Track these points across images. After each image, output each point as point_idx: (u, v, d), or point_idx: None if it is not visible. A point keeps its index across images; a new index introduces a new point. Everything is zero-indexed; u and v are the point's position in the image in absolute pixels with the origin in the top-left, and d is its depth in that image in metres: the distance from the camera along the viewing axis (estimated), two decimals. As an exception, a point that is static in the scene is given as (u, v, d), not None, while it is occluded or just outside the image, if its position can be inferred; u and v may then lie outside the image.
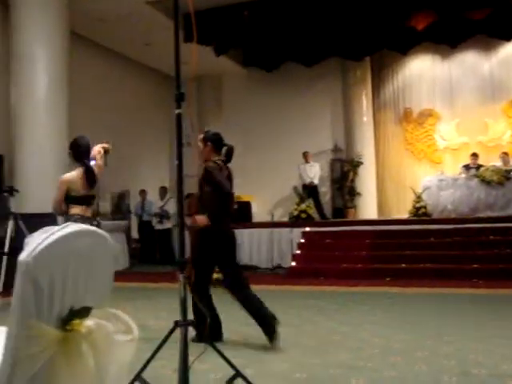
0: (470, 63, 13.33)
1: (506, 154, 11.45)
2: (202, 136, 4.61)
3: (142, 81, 13.87)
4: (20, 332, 1.25)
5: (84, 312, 1.40)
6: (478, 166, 11.00)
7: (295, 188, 11.82)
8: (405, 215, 11.48)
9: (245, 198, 12.86)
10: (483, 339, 4.18)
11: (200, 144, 4.56)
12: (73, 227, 1.42)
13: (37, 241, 1.31)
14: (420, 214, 10.73)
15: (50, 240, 1.32)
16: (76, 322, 1.36)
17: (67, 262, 1.37)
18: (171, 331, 2.60)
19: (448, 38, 12.43)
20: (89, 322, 1.39)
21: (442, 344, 4.06)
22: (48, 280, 1.29)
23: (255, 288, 6.61)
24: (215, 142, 4.65)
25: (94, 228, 1.56)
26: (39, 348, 1.26)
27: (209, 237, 4.34)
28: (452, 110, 13.45)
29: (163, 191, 12.42)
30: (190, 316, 2.69)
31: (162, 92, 13.67)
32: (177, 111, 2.53)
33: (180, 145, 2.52)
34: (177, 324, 2.56)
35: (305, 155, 12.40)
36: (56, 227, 1.38)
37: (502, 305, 5.94)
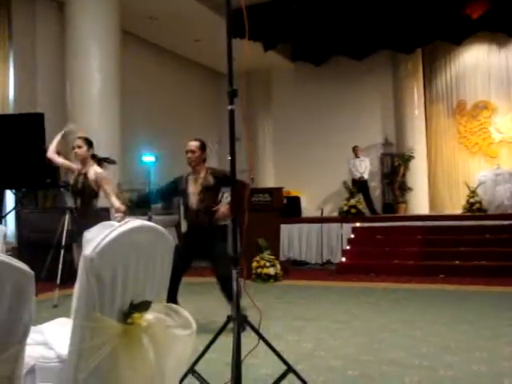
0: (528, 52, 12.81)
1: None
2: (199, 143, 4.93)
3: (192, 77, 14.03)
4: (85, 323, 1.29)
5: (144, 306, 1.42)
6: (537, 160, 10.57)
7: (345, 183, 11.68)
8: (458, 211, 11.18)
9: (294, 193, 12.82)
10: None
11: (197, 150, 4.86)
12: (133, 223, 1.44)
13: (100, 236, 1.34)
14: (474, 209, 10.40)
15: (112, 235, 1.35)
16: (136, 315, 1.39)
17: (128, 257, 1.40)
18: (225, 325, 2.62)
19: (504, 26, 11.95)
20: (149, 316, 1.42)
21: (501, 345, 3.93)
22: (111, 274, 1.33)
23: (305, 283, 6.65)
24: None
25: (152, 224, 1.58)
26: (102, 340, 1.29)
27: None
28: (508, 101, 12.96)
29: None
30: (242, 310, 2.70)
31: (211, 88, 13.79)
32: (230, 107, 2.53)
33: (233, 140, 2.52)
34: (230, 318, 2.57)
35: (355, 150, 12.24)
36: (116, 223, 1.41)
37: None
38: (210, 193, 4.79)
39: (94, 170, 5.22)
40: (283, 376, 2.73)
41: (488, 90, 13.22)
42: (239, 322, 2.52)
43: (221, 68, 13.46)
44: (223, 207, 4.70)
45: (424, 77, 13.73)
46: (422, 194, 13.20)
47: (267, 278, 7.83)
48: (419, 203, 13.07)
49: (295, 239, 10.23)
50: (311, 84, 14.16)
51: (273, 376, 2.99)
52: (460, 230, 9.13)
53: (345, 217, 10.32)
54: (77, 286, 1.33)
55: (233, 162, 2.52)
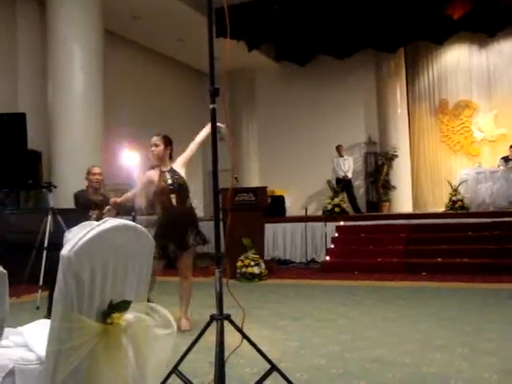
0: (508, 52, 12.98)
1: (546, 145, 11.12)
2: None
3: (176, 77, 13.98)
4: (63, 324, 1.28)
5: (123, 306, 1.41)
6: (518, 158, 10.71)
7: (329, 182, 11.73)
8: (441, 209, 11.28)
9: (278, 193, 12.84)
10: (525, 336, 4.08)
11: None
12: (112, 222, 1.44)
13: (78, 236, 1.33)
14: (457, 207, 10.51)
15: (90, 235, 1.34)
16: (116, 315, 1.38)
17: (107, 256, 1.39)
18: (207, 325, 2.62)
19: (485, 27, 12.13)
20: (128, 316, 1.41)
21: (482, 340, 3.97)
22: (89, 274, 1.32)
23: (290, 282, 6.63)
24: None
25: (132, 223, 1.58)
26: (81, 340, 1.28)
27: None
28: (489, 100, 13.12)
29: None
30: (226, 310, 2.70)
31: (194, 87, 13.76)
32: (211, 106, 2.53)
33: (215, 139, 2.52)
34: (213, 318, 2.57)
35: (338, 149, 12.31)
36: (95, 222, 1.40)
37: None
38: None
39: (179, 163, 4.86)
40: (267, 375, 2.73)
41: (469, 90, 13.38)
42: (222, 321, 2.52)
43: (205, 68, 13.37)
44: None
45: (407, 76, 13.85)
46: (406, 193, 13.32)
47: (252, 278, 7.84)
48: (403, 201, 13.18)
49: (280, 238, 10.25)
50: (295, 83, 14.20)
51: (258, 374, 2.99)
52: (443, 228, 9.23)
53: (329, 216, 10.36)
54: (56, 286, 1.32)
55: (215, 161, 2.51)
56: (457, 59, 13.56)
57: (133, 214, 9.63)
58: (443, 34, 12.52)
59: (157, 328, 1.44)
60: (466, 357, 3.54)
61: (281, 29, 12.07)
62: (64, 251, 1.30)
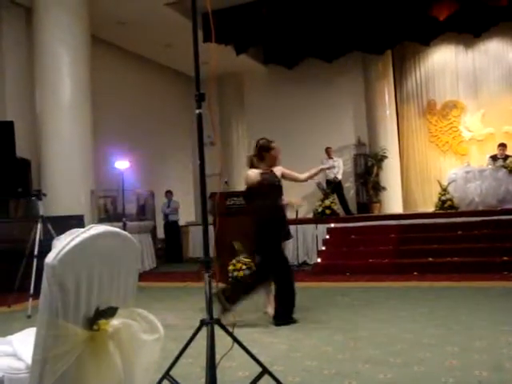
0: (494, 52, 13.09)
1: (533, 143, 11.22)
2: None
3: (164, 82, 13.98)
4: (48, 332, 1.28)
5: (110, 312, 1.42)
6: (506, 157, 10.79)
7: (319, 184, 11.76)
8: (431, 209, 11.35)
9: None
10: (514, 333, 4.11)
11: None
12: (97, 229, 1.44)
13: (62, 243, 1.33)
14: (446, 207, 10.58)
15: (74, 242, 1.34)
16: (102, 321, 1.39)
17: (92, 263, 1.40)
18: (198, 330, 2.62)
19: (471, 27, 12.24)
20: (115, 322, 1.41)
21: (473, 338, 4.00)
22: (74, 281, 1.32)
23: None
24: None
25: (117, 229, 1.58)
26: (67, 347, 1.28)
27: None
28: (477, 100, 13.23)
29: (169, 195, 12.51)
30: (215, 314, 2.71)
31: (183, 93, 13.76)
32: (197, 111, 2.54)
33: (201, 144, 2.53)
34: (203, 322, 2.57)
35: (327, 151, 12.34)
36: (81, 229, 1.41)
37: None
38: None
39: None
40: (258, 378, 2.74)
41: (457, 90, 13.48)
42: (212, 326, 2.53)
43: (193, 73, 13.43)
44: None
45: (394, 77, 13.93)
46: (396, 193, 13.38)
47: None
48: (393, 202, 13.24)
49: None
50: (284, 87, 14.24)
51: (250, 378, 2.99)
52: (433, 228, 9.28)
53: (320, 218, 10.39)
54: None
55: (202, 166, 2.52)
56: (443, 60, 13.66)
57: (124, 219, 9.60)
58: (429, 35, 12.62)
59: (144, 333, 1.45)
60: (456, 355, 3.56)
61: (269, 32, 12.10)
62: (48, 259, 1.30)
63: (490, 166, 10.72)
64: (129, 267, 1.59)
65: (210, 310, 2.56)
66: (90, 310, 1.40)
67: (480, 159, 12.30)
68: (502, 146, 11.25)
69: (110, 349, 1.36)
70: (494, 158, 11.07)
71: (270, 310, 5.17)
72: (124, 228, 9.31)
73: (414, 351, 3.73)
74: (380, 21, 11.30)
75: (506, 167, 10.22)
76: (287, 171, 5.39)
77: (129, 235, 1.59)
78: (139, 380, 1.44)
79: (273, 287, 5.13)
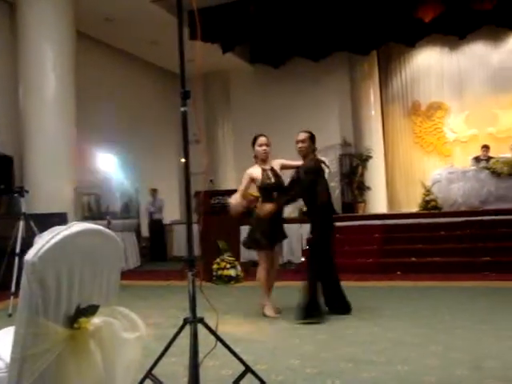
0: (478, 54, 13.23)
1: (516, 145, 11.36)
2: (308, 134, 5.19)
3: (150, 79, 13.90)
4: (27, 330, 1.26)
5: (91, 310, 1.40)
6: (488, 158, 10.91)
7: (304, 183, 11.75)
8: (415, 209, 11.43)
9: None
10: (496, 332, 4.15)
11: (307, 140, 5.11)
12: (78, 226, 1.42)
13: (43, 241, 1.32)
14: (430, 207, 10.66)
15: (55, 240, 1.33)
16: (83, 320, 1.37)
17: (73, 260, 1.38)
18: (181, 328, 2.61)
19: (456, 30, 12.35)
20: (96, 320, 1.40)
21: (455, 338, 4.04)
22: (54, 279, 1.30)
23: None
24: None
25: (99, 227, 1.56)
26: (47, 346, 1.27)
27: None
28: (461, 102, 13.36)
29: (154, 193, 12.46)
30: (202, 313, 2.70)
31: (169, 90, 13.69)
32: (182, 109, 2.53)
33: (186, 142, 2.52)
34: (186, 321, 2.56)
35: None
36: (62, 227, 1.39)
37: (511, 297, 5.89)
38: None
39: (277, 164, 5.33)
40: (241, 376, 2.74)
41: (441, 91, 13.61)
42: (195, 324, 2.51)
43: (178, 70, 13.40)
44: None
45: (380, 78, 14.01)
46: (380, 193, 13.46)
47: (228, 280, 7.83)
48: (377, 202, 13.32)
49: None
50: (270, 85, 14.24)
51: (233, 376, 2.99)
52: (416, 228, 9.35)
53: (304, 217, 10.39)
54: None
55: (187, 165, 2.51)
56: (429, 61, 13.77)
57: (108, 217, 9.53)
58: (415, 37, 12.71)
59: (125, 332, 1.43)
60: (439, 354, 3.59)
61: (255, 31, 12.09)
62: (28, 256, 1.28)
63: (473, 168, 10.83)
64: (111, 265, 1.57)
65: (193, 309, 2.55)
66: (71, 308, 1.39)
67: (464, 160, 12.42)
68: (485, 147, 11.40)
69: (90, 347, 1.34)
70: (477, 159, 11.20)
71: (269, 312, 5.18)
72: (108, 226, 9.25)
73: (397, 350, 3.75)
74: (366, 21, 11.35)
75: (488, 168, 10.33)
76: (287, 162, 5.42)
77: (111, 233, 1.58)
78: (120, 379, 1.42)
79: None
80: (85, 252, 1.43)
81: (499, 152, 11.40)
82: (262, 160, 5.16)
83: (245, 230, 9.78)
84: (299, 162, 5.30)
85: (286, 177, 5.39)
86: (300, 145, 5.13)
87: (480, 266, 7.78)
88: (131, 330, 1.47)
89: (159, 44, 12.13)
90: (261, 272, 5.22)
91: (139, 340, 1.48)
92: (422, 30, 12.06)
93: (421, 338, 4.06)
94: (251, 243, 5.25)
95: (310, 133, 5.20)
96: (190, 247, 2.59)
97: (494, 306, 5.36)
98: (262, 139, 5.20)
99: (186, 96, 2.52)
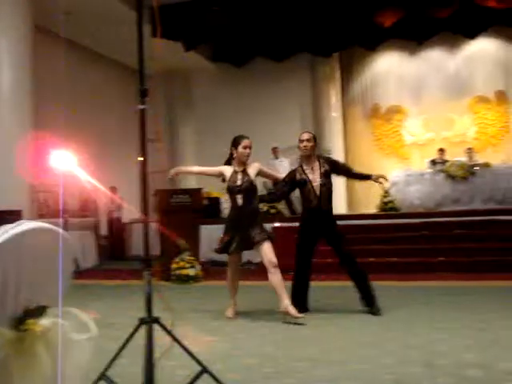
0: (436, 60, 13.57)
1: (470, 149, 11.72)
2: (312, 134, 5.29)
3: (111, 76, 13.68)
4: (-29, 333, 1.22)
5: (39, 311, 1.37)
6: (444, 161, 11.21)
7: (264, 183, 11.82)
8: (373, 210, 11.63)
9: (215, 194, 12.80)
10: (449, 331, 4.26)
11: (312, 140, 5.17)
12: (27, 225, 1.38)
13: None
14: (388, 208, 10.88)
15: (2, 238, 1.29)
16: (31, 321, 1.33)
17: (21, 260, 1.34)
18: (136, 328, 2.57)
19: (415, 35, 12.65)
20: (44, 321, 1.37)
21: (410, 336, 4.12)
22: (1, 279, 1.26)
23: (225, 284, 6.59)
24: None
25: (49, 225, 1.53)
26: (-9, 349, 1.23)
27: None
28: (419, 106, 13.67)
29: (113, 191, 12.28)
30: (159, 313, 2.67)
31: (131, 87, 13.48)
32: (140, 107, 2.50)
33: (144, 141, 2.49)
34: (142, 321, 2.53)
35: (274, 151, 12.43)
36: (10, 225, 1.35)
37: (467, 296, 6.06)
38: (328, 178, 5.14)
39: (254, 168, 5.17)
40: (197, 377, 2.72)
41: (400, 95, 13.89)
42: (151, 324, 2.49)
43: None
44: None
45: (341, 80, 14.21)
46: (340, 194, 13.60)
47: (187, 279, 7.79)
48: (337, 203, 13.31)
49: (215, 240, 10.20)
50: (233, 85, 14.23)
51: (189, 377, 2.97)
52: (375, 229, 9.51)
53: (265, 217, 10.43)
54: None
55: (144, 164, 2.48)
56: (388, 65, 14.03)
57: (65, 216, 9.34)
58: (375, 41, 12.95)
59: (75, 333, 1.40)
60: (394, 352, 3.66)
61: (218, 30, 12.08)
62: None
63: (429, 170, 11.10)
64: (61, 265, 1.54)
65: (148, 309, 2.52)
66: (18, 309, 1.35)
67: (421, 163, 12.71)
68: (441, 150, 11.71)
69: (37, 350, 1.30)
70: (433, 162, 11.49)
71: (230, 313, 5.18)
72: (65, 224, 9.06)
73: (353, 349, 3.81)
74: (328, 24, 11.50)
75: (444, 171, 10.61)
76: (267, 171, 5.41)
77: (62, 231, 1.54)
78: (70, 380, 1.39)
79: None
80: (34, 251, 1.39)
81: (454, 156, 11.73)
82: (242, 162, 5.09)
83: (206, 230, 9.79)
84: (279, 175, 5.46)
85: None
86: (305, 143, 5.14)
87: (435, 266, 7.99)
88: (81, 331, 1.44)
89: (121, 40, 11.94)
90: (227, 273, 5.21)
91: (90, 341, 1.46)
92: (382, 35, 12.29)
93: (377, 337, 4.13)
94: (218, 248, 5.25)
95: (313, 134, 5.34)
96: (147, 246, 2.56)
97: (448, 304, 5.51)
98: (247, 141, 5.09)
99: (144, 94, 2.49)
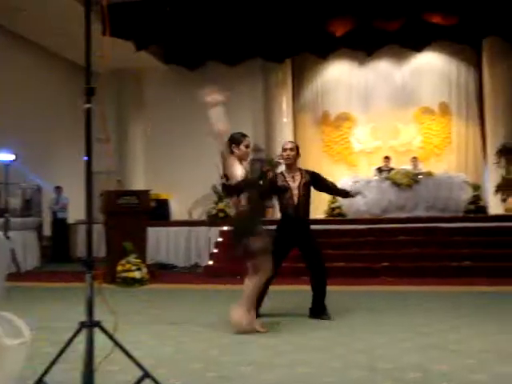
0: (384, 71, 13.91)
1: (415, 158, 12.10)
2: (295, 144, 5.40)
3: (59, 73, 13.30)
4: None
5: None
6: (390, 169, 11.51)
7: (214, 187, 11.81)
8: (321, 215, 11.79)
9: (164, 196, 12.70)
10: (391, 335, 4.36)
11: (294, 149, 5.24)
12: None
13: None
14: (335, 214, 11.06)
15: None
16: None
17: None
18: (76, 332, 2.51)
19: (364, 46, 12.93)
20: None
21: (355, 340, 4.19)
22: None
23: (172, 287, 6.60)
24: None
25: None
26: None
27: None
28: (367, 114, 13.97)
29: (59, 191, 12.00)
30: (102, 316, 2.61)
31: (79, 85, 13.18)
32: (86, 106, 2.45)
33: (89, 140, 2.43)
34: (82, 325, 2.47)
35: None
36: None
37: (407, 301, 6.23)
38: (307, 190, 5.18)
39: None
40: (138, 382, 2.67)
41: (350, 103, 14.15)
42: (91, 328, 2.43)
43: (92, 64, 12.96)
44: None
45: (293, 86, 14.32)
46: (290, 199, 13.73)
47: (133, 282, 7.65)
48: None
49: (163, 243, 10.13)
50: (185, 87, 14.10)
51: (131, 382, 2.92)
52: (322, 234, 9.60)
53: (213, 220, 10.42)
54: None
55: (89, 164, 2.42)
56: (339, 74, 14.27)
57: (6, 215, 9.01)
58: (327, 49, 13.15)
59: (7, 338, 1.34)
60: (340, 356, 3.70)
61: (171, 31, 11.97)
62: None
63: (376, 178, 11.37)
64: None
65: (90, 312, 2.46)
66: None
67: (368, 170, 12.99)
68: (387, 158, 12.05)
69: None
70: (379, 169, 11.78)
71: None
72: (6, 224, 8.72)
73: (299, 353, 3.83)
74: (281, 30, 11.60)
75: (389, 179, 10.89)
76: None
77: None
78: (2, 387, 1.34)
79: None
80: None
81: (400, 164, 12.07)
82: (244, 161, 4.88)
83: (153, 232, 9.67)
84: None
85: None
86: (288, 152, 5.19)
87: (378, 271, 8.18)
88: (14, 336, 1.39)
89: (70, 36, 11.62)
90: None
91: (23, 346, 1.40)
92: (333, 44, 12.50)
93: (323, 341, 4.18)
94: None
95: (295, 143, 5.45)
96: (90, 248, 2.50)
97: (392, 308, 5.65)
98: (249, 140, 4.97)
99: (90, 92, 2.43)
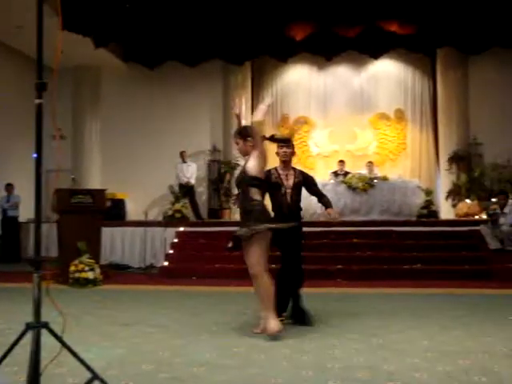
0: (342, 76, 14.14)
1: (371, 162, 12.35)
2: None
3: (13, 66, 12.92)
4: None
5: None
6: (346, 173, 11.69)
7: (170, 187, 11.72)
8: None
9: (120, 196, 12.52)
10: (343, 335, 4.44)
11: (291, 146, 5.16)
12: None
13: None
14: (292, 216, 11.11)
15: None
16: None
17: None
18: (22, 334, 2.44)
19: (324, 51, 13.12)
20: None
21: (304, 341, 4.24)
22: None
23: (126, 288, 6.49)
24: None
25: None
26: None
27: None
28: (325, 119, 14.16)
29: (10, 188, 11.68)
30: (52, 317, 2.55)
31: (32, 80, 12.83)
32: (37, 101, 2.39)
33: (39, 137, 2.38)
34: (28, 326, 2.41)
35: (182, 154, 12.39)
36: None
37: (361, 303, 6.35)
38: (299, 190, 5.11)
39: None
40: (87, 384, 2.63)
41: (308, 107, 14.31)
42: (38, 330, 2.37)
43: (45, 59, 12.63)
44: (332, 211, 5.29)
45: (253, 89, 14.37)
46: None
47: (86, 283, 7.51)
48: (243, 209, 13.59)
49: (118, 243, 9.99)
50: (144, 86, 13.98)
51: (80, 385, 2.87)
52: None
53: (169, 221, 10.34)
54: None
55: (39, 161, 2.37)
56: (299, 78, 14.41)
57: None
58: (287, 53, 13.27)
59: None
60: (288, 357, 3.75)
61: (131, 29, 11.83)
62: None
63: (331, 181, 11.52)
64: None
65: (37, 313, 2.40)
66: None
67: (325, 174, 13.15)
68: (341, 162, 12.28)
69: None
70: (335, 173, 11.96)
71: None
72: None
73: (250, 354, 3.85)
74: (241, 32, 11.65)
75: (345, 183, 11.06)
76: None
77: None
78: None
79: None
80: None
81: (356, 168, 12.29)
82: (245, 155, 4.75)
83: (108, 232, 9.50)
84: None
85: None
86: (285, 149, 5.10)
87: (333, 274, 8.30)
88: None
89: (25, 29, 11.33)
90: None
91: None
92: (293, 48, 12.63)
93: (273, 342, 4.21)
94: None
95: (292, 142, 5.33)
96: (38, 247, 2.44)
97: (343, 310, 5.75)
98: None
99: (41, 88, 2.38)
